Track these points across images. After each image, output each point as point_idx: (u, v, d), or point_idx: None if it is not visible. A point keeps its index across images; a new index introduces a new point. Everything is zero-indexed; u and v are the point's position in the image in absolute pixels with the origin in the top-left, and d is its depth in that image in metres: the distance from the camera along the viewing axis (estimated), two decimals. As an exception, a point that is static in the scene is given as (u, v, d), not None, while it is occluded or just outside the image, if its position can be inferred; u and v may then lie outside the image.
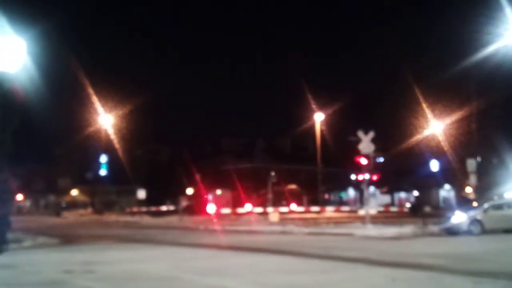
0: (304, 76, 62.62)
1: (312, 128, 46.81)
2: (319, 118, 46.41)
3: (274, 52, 74.79)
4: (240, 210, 33.75)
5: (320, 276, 11.07)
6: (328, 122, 46.23)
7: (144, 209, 50.78)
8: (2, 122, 6.70)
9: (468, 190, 41.04)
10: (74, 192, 71.65)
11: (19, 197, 68.92)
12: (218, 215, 31.81)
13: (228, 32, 78.34)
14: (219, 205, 35.20)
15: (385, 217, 37.29)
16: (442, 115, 42.16)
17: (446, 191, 55.60)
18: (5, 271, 10.58)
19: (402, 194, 61.54)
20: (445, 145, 38.49)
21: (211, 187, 49.49)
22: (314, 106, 45.64)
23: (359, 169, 28.43)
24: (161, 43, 73.98)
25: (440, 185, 54.11)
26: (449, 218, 23.75)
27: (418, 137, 41.83)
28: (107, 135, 40.63)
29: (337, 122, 46.24)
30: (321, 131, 45.90)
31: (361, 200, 29.33)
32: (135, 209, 53.89)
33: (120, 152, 32.18)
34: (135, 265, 13.83)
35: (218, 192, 51.00)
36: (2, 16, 6.86)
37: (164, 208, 51.77)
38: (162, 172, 58.99)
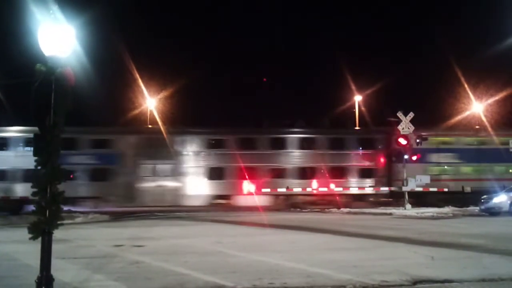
0: (342, 57, 61.99)
1: (350, 109, 46.63)
2: (357, 99, 46.24)
3: (313, 34, 73.71)
4: (280, 189, 34.23)
5: (359, 254, 11.24)
6: (366, 103, 45.93)
7: None
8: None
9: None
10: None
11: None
12: (259, 194, 32.27)
13: (266, 14, 77.62)
14: (259, 185, 35.90)
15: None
16: (484, 95, 41.22)
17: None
18: (61, 245, 11.22)
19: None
20: (487, 125, 37.60)
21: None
22: (352, 87, 45.41)
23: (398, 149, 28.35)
24: (203, 27, 74.01)
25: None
26: (490, 198, 23.52)
27: (459, 117, 40.96)
28: (152, 117, 41.64)
29: (376, 103, 45.80)
30: (360, 112, 45.68)
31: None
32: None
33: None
34: (180, 240, 14.42)
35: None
36: (53, 5, 7.09)
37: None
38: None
